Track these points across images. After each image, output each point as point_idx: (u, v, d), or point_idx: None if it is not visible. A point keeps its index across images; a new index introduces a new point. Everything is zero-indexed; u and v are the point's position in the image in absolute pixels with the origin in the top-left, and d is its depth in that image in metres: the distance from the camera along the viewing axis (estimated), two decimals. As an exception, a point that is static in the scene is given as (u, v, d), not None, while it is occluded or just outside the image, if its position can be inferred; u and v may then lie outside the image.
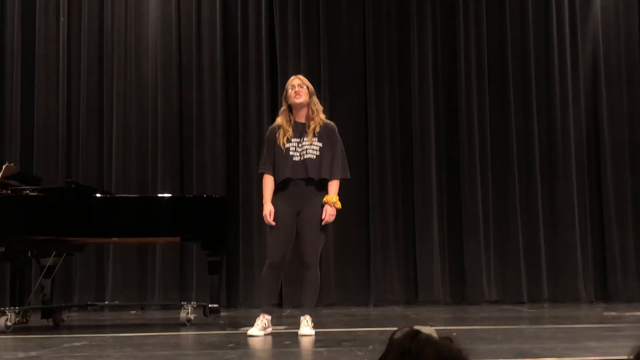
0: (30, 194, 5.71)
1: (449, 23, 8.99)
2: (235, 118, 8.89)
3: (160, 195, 7.79)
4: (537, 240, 8.61)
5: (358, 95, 8.88)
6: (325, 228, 4.92)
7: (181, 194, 8.44)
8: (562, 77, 8.86)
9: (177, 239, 6.40)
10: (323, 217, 4.83)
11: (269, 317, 4.90)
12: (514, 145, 8.73)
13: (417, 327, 1.47)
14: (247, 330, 4.85)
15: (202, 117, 8.87)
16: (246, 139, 8.75)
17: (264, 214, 4.90)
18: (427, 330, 1.46)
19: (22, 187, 5.85)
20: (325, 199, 4.86)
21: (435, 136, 8.75)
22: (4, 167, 5.91)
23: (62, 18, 9.04)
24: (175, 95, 8.92)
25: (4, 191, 5.71)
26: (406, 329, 1.47)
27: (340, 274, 8.55)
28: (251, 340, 4.60)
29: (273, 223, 4.85)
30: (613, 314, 6.61)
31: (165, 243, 8.21)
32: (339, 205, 4.89)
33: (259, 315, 4.88)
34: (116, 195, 6.80)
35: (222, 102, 8.86)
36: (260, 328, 4.80)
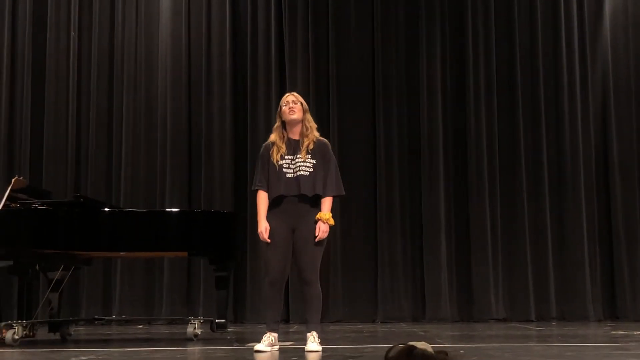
0: (39, 207, 5.72)
1: (457, 40, 9.01)
2: (243, 133, 8.92)
3: (168, 209, 7.81)
4: (545, 258, 8.58)
5: (366, 110, 8.89)
6: (321, 243, 4.91)
7: (189, 208, 8.45)
8: (571, 95, 8.87)
9: (185, 253, 6.39)
10: (317, 234, 4.83)
11: (275, 335, 4.90)
12: (522, 164, 8.73)
13: (411, 343, 1.47)
14: (254, 345, 4.84)
15: (210, 133, 8.90)
16: (255, 153, 8.73)
17: (259, 231, 4.90)
18: (422, 345, 1.46)
19: (31, 201, 5.88)
20: (318, 216, 4.87)
21: (443, 153, 8.75)
22: (13, 180, 5.94)
23: (72, 33, 9.10)
24: (184, 110, 8.95)
25: (13, 205, 5.74)
26: (401, 346, 1.47)
27: (347, 290, 8.54)
28: (258, 356, 4.59)
29: (268, 240, 4.86)
30: (621, 332, 6.57)
31: (173, 258, 8.22)
32: (332, 222, 4.90)
33: (265, 332, 4.88)
34: (124, 210, 6.81)
35: (231, 118, 8.88)
36: (267, 344, 4.80)
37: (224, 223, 6.12)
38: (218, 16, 9.08)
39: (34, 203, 5.80)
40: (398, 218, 8.68)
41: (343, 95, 8.87)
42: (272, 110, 8.76)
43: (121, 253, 6.26)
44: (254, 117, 8.87)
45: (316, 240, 4.83)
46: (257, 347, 4.78)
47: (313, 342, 4.77)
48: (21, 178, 6.20)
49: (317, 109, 8.75)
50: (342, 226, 8.53)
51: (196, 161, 8.92)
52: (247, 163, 8.79)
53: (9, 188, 5.82)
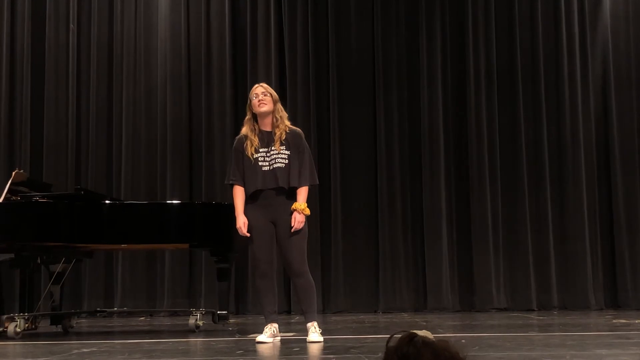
0: (39, 200, 5.73)
1: (458, 29, 8.99)
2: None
3: (169, 201, 7.81)
4: (546, 247, 8.58)
5: (367, 102, 8.88)
6: (302, 233, 4.86)
7: (190, 200, 8.45)
8: (572, 84, 8.85)
9: (186, 245, 6.40)
10: (292, 224, 4.80)
11: (276, 325, 4.91)
12: (523, 153, 8.72)
13: (412, 331, 1.46)
14: (256, 336, 4.85)
15: (211, 124, 8.89)
16: (255, 146, 8.74)
17: (237, 226, 4.88)
18: (423, 333, 1.46)
19: (31, 194, 5.88)
20: (293, 206, 4.83)
21: (444, 144, 8.74)
22: (13, 173, 5.94)
23: (72, 26, 9.09)
24: (184, 102, 8.94)
25: (14, 197, 5.74)
26: (401, 333, 1.47)
27: (349, 281, 8.54)
28: (260, 347, 4.60)
29: (247, 234, 4.85)
30: (622, 321, 6.58)
31: (174, 250, 8.22)
32: (307, 211, 4.86)
33: (266, 324, 4.89)
34: (125, 202, 6.81)
35: (231, 109, 8.87)
36: (269, 335, 4.81)
37: (225, 215, 6.09)
38: (217, 8, 9.06)
39: (34, 196, 5.81)
40: (399, 208, 8.67)
41: (343, 87, 8.86)
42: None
43: (122, 245, 6.26)
44: (254, 109, 8.83)
45: (292, 230, 4.80)
46: (259, 338, 4.79)
47: (314, 333, 4.79)
48: (22, 171, 6.21)
49: (318, 100, 8.75)
50: (343, 217, 8.54)
51: (197, 153, 8.91)
52: (248, 155, 8.75)
53: (10, 181, 5.83)
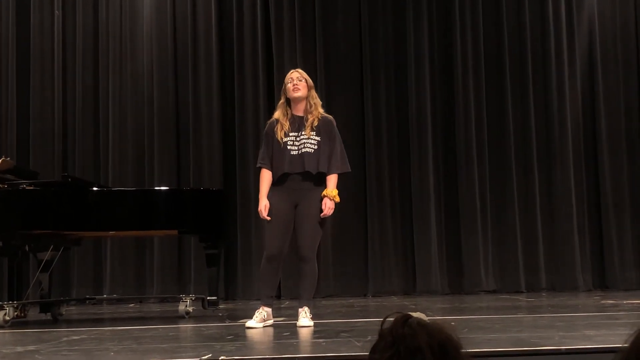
0: (26, 188, 5.70)
1: (444, 12, 8.97)
2: (231, 111, 8.88)
3: (157, 188, 7.79)
4: (534, 229, 8.62)
5: (354, 87, 8.87)
6: (323, 222, 4.92)
7: (178, 187, 8.43)
8: (559, 65, 8.86)
9: (175, 232, 6.39)
10: (323, 209, 4.81)
11: (268, 310, 4.91)
12: (511, 135, 8.73)
13: (407, 313, 1.46)
14: (246, 322, 4.85)
15: (198, 110, 8.85)
16: (243, 131, 8.74)
17: (259, 209, 4.90)
18: (417, 314, 1.46)
19: (18, 182, 5.84)
20: (324, 193, 4.86)
21: (432, 127, 8.75)
22: (0, 161, 5.90)
23: (56, 12, 9.01)
24: (171, 88, 8.90)
25: (1, 186, 5.70)
26: (396, 315, 1.46)
27: (338, 265, 8.56)
28: (250, 332, 4.60)
29: (268, 218, 4.86)
30: (611, 302, 6.62)
31: (163, 236, 8.21)
32: (337, 199, 4.89)
33: (258, 308, 4.88)
34: (113, 189, 6.79)
35: (218, 95, 8.84)
36: (259, 320, 4.80)
37: (214, 200, 6.10)
38: (203, -7, 9.01)
39: (21, 184, 5.77)
40: (387, 192, 8.68)
41: (331, 71, 8.84)
42: (259, 89, 8.73)
43: (111, 232, 6.25)
44: (241, 95, 8.82)
45: (322, 216, 4.83)
46: (248, 323, 4.79)
47: (305, 318, 4.79)
48: (8, 159, 6.17)
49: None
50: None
51: (184, 140, 8.87)
52: (236, 141, 8.75)
53: (-4, 169, 5.79)
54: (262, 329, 4.74)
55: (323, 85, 8.70)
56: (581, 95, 8.90)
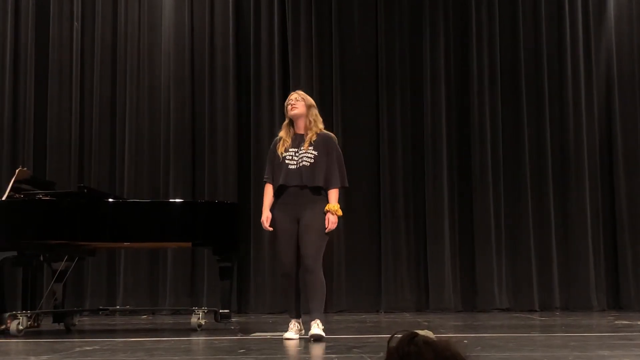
0: (42, 198, 5.73)
1: (461, 31, 8.98)
2: (247, 124, 8.91)
3: (172, 200, 7.81)
4: (549, 248, 8.58)
5: (370, 102, 8.88)
6: (323, 231, 5.06)
7: (193, 199, 8.46)
8: (575, 85, 8.84)
9: (189, 244, 6.39)
10: (326, 225, 5.00)
11: (299, 321, 5.12)
12: (526, 153, 8.72)
13: (414, 330, 1.46)
14: (283, 334, 5.03)
15: (214, 124, 8.89)
16: (258, 145, 8.76)
17: (261, 220, 5.14)
18: (424, 332, 1.46)
19: (34, 192, 5.88)
20: (327, 208, 5.05)
21: (447, 143, 8.74)
22: (17, 171, 5.95)
23: (75, 24, 9.09)
24: (187, 101, 8.95)
25: (17, 195, 5.74)
26: (402, 333, 1.47)
27: (351, 281, 8.54)
28: (288, 343, 4.72)
29: (270, 229, 5.10)
30: (625, 322, 6.57)
31: (177, 248, 8.22)
32: (340, 212, 5.10)
33: (290, 321, 5.10)
34: (128, 200, 6.81)
35: (234, 109, 8.88)
36: (295, 331, 5.02)
37: (228, 213, 6.13)
38: (221, 8, 9.06)
39: (38, 194, 5.81)
40: (402, 208, 8.67)
41: (347, 87, 8.86)
42: (275, 102, 8.75)
43: (125, 244, 6.27)
44: (257, 110, 8.86)
45: (326, 231, 5.02)
46: (286, 335, 5.00)
47: (316, 328, 4.85)
48: (25, 169, 6.22)
49: (321, 100, 8.70)
50: (345, 216, 8.49)
51: (199, 153, 8.91)
52: (251, 155, 8.78)
53: (13, 179, 5.83)
54: (297, 340, 4.87)
55: (339, 101, 8.72)
56: (597, 115, 8.87)
